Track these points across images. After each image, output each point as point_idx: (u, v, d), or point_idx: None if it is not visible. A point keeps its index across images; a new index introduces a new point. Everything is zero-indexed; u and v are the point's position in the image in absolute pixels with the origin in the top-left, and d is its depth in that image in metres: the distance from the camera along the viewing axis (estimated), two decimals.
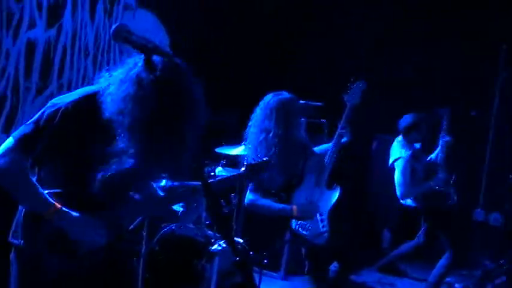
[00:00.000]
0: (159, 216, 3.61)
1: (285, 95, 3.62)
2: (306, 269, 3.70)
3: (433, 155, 4.81)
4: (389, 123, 5.70)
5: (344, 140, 3.64)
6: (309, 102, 5.37)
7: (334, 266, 3.86)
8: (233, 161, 4.59)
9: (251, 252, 3.93)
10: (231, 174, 2.75)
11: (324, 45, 6.16)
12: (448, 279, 5.26)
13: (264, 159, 2.82)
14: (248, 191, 3.59)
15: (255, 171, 2.72)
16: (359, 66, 5.87)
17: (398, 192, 4.65)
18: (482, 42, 5.70)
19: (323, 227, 3.51)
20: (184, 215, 3.37)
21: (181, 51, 5.19)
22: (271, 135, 3.46)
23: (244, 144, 3.75)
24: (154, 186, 2.37)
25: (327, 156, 3.63)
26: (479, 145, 6.19)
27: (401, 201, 4.81)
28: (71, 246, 1.98)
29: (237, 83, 5.70)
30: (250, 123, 3.66)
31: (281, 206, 3.55)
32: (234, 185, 4.01)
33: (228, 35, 5.88)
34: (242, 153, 4.32)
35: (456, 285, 5.32)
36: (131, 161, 1.91)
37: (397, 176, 4.63)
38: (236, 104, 5.09)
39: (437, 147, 4.75)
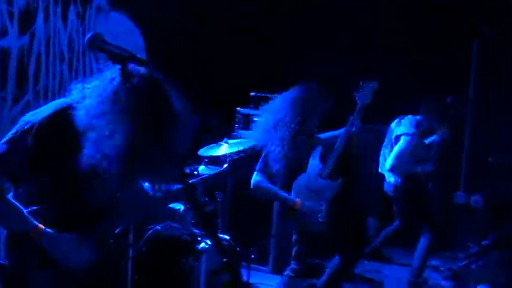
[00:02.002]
0: (156, 216, 3.64)
1: (305, 84, 3.66)
2: (293, 254, 3.73)
3: (431, 138, 4.92)
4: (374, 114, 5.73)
5: (354, 127, 3.68)
6: None
7: (335, 260, 3.88)
8: (216, 160, 4.61)
9: (238, 248, 3.96)
10: (214, 172, 2.78)
11: (307, 44, 6.18)
12: (433, 261, 5.36)
13: (246, 152, 2.84)
14: (255, 171, 3.57)
15: (238, 166, 2.75)
16: (336, 60, 5.93)
17: (389, 162, 4.72)
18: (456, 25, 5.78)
19: (320, 217, 3.55)
20: (186, 211, 3.40)
21: (156, 53, 5.20)
22: (288, 126, 3.48)
23: (251, 130, 3.75)
24: (145, 187, 2.36)
25: (337, 143, 3.67)
26: (458, 129, 6.27)
27: (386, 171, 4.88)
28: (58, 262, 1.98)
29: (214, 83, 5.71)
30: (264, 112, 3.69)
31: (285, 195, 3.56)
32: (219, 183, 4.03)
33: (205, 35, 5.88)
34: (224, 153, 4.34)
35: (442, 267, 5.42)
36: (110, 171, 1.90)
37: (398, 148, 4.69)
38: (214, 104, 5.10)
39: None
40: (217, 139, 4.47)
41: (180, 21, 5.65)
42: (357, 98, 3.71)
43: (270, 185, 3.57)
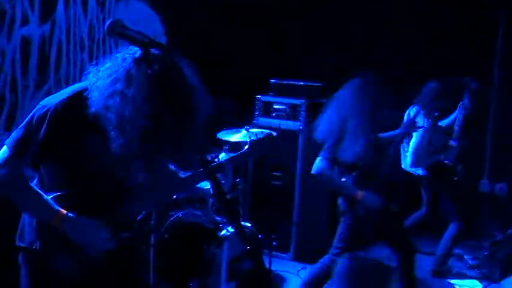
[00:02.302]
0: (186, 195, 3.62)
1: (367, 77, 3.64)
2: (338, 245, 3.69)
3: (447, 120, 4.87)
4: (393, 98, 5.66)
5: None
6: (309, 83, 5.35)
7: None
8: (236, 146, 4.59)
9: (260, 236, 3.94)
10: (235, 154, 2.75)
11: (317, 28, 6.11)
12: (457, 250, 5.28)
13: (266, 134, 2.81)
14: (320, 158, 3.52)
15: (258, 147, 2.72)
16: (354, 43, 5.86)
17: (409, 159, 4.67)
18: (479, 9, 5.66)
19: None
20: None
21: (176, 39, 5.18)
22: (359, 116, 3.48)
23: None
24: (173, 168, 2.33)
25: (393, 144, 3.75)
26: (483, 116, 6.17)
27: (409, 168, 4.83)
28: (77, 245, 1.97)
29: (232, 69, 5.68)
30: (328, 107, 3.69)
31: (350, 185, 3.52)
32: (240, 165, 4.00)
33: (222, 22, 5.85)
34: (243, 139, 4.31)
35: (466, 256, 5.34)
36: (130, 154, 1.88)
37: (413, 144, 4.64)
38: (231, 91, 5.08)
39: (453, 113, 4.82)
40: (237, 126, 4.44)
41: (200, 7, 5.63)
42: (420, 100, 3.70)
43: (334, 174, 3.52)
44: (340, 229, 3.68)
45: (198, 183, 2.46)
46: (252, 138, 3.16)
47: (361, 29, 5.95)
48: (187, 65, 1.93)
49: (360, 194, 3.48)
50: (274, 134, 4.15)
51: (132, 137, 1.83)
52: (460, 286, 4.74)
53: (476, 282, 4.82)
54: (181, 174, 2.30)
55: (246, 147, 2.69)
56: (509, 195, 6.01)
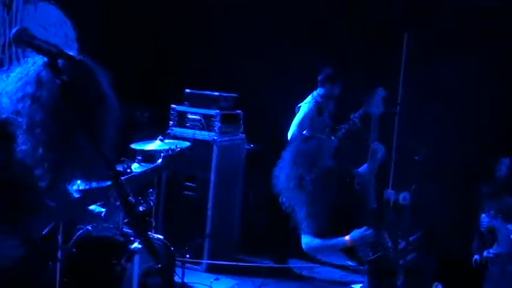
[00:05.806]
0: (78, 219, 3.49)
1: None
2: None
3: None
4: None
5: (380, 155, 3.50)
6: (223, 94, 5.38)
7: None
8: (149, 157, 4.53)
9: (172, 248, 3.90)
10: (149, 167, 2.71)
11: (228, 37, 6.17)
12: None
13: (180, 148, 2.78)
14: (302, 233, 3.35)
15: (172, 162, 2.69)
16: (266, 54, 5.95)
17: (291, 132, 4.96)
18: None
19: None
20: (108, 214, 3.26)
21: (89, 44, 5.04)
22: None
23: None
24: (68, 189, 2.27)
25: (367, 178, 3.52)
26: (388, 131, 6.46)
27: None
28: None
29: (148, 79, 5.61)
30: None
31: (335, 241, 3.32)
32: (153, 179, 3.94)
33: (137, 31, 5.77)
34: (157, 148, 4.26)
35: None
36: (37, 166, 1.82)
37: (298, 118, 4.95)
38: (147, 100, 5.00)
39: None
40: (151, 136, 4.39)
41: (114, 12, 5.52)
42: (370, 111, 3.46)
43: (318, 240, 3.33)
44: None
45: (90, 205, 2.40)
46: (165, 152, 3.12)
47: (274, 41, 6.05)
48: (100, 73, 1.90)
49: (348, 239, 3.30)
50: (188, 144, 4.12)
51: (41, 142, 1.78)
52: None
53: None
54: (77, 196, 2.23)
55: (159, 161, 2.66)
56: (411, 204, 6.33)
